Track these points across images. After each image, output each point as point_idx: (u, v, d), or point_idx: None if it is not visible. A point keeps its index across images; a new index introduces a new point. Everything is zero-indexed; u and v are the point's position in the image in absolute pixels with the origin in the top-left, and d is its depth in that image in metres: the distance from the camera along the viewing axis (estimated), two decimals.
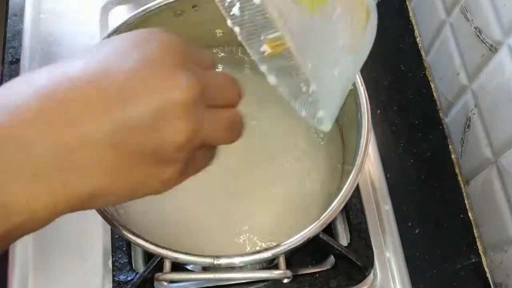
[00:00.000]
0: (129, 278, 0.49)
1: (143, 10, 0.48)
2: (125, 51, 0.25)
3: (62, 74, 0.24)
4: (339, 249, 0.48)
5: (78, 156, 0.23)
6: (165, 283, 0.41)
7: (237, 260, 0.40)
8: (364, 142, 0.43)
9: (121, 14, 0.65)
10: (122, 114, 0.24)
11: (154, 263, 0.47)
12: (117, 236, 0.51)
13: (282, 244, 0.40)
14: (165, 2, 0.48)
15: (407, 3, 0.71)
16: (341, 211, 0.48)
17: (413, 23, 0.70)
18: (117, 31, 0.47)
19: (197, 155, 0.28)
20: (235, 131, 0.30)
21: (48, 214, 0.24)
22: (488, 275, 0.56)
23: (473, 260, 0.56)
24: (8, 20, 0.67)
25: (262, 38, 0.29)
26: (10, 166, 0.22)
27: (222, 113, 0.29)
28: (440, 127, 0.64)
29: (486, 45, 0.51)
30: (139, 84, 0.24)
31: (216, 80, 0.29)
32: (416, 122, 0.64)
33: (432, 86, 0.66)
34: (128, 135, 0.24)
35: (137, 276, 0.48)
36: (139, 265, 0.52)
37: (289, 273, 0.40)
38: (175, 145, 0.25)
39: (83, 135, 0.23)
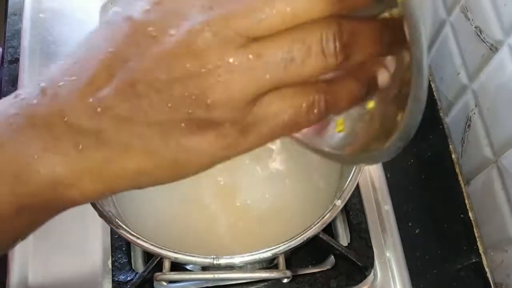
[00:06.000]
0: (128, 278, 0.49)
1: None
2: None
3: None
4: (339, 249, 0.48)
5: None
6: (164, 283, 0.41)
7: (237, 260, 0.39)
8: None
9: None
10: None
11: (154, 263, 0.47)
12: (116, 236, 0.51)
13: (282, 244, 0.40)
14: None
15: None
16: (341, 211, 0.48)
17: None
18: None
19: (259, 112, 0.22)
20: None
21: (94, 191, 0.23)
22: (488, 275, 0.55)
23: (474, 260, 0.56)
24: (8, 20, 0.67)
25: None
26: (56, 144, 0.22)
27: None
28: (441, 126, 0.64)
29: (486, 44, 0.51)
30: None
31: None
32: None
33: (433, 85, 0.66)
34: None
35: (137, 276, 0.48)
36: (139, 265, 0.52)
37: (288, 273, 0.40)
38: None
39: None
